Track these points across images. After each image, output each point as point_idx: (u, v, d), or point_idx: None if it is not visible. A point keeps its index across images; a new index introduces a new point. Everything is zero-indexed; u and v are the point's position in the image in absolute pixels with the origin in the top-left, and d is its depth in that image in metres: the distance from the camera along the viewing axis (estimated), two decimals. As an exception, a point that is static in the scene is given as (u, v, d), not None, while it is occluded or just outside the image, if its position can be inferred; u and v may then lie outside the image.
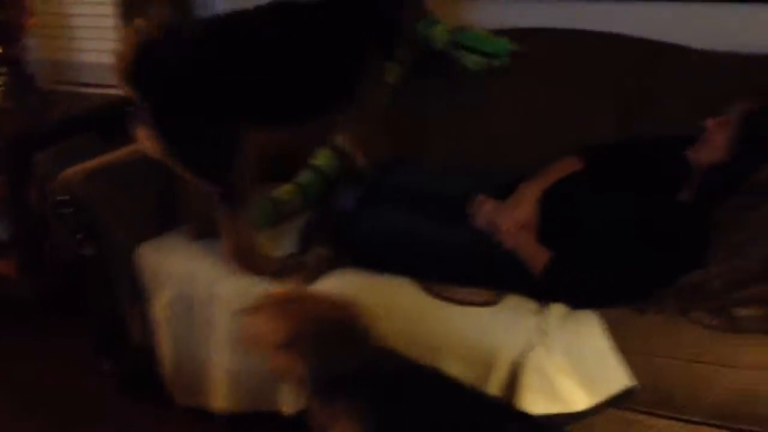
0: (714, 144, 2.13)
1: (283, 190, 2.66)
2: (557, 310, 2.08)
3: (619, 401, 1.99)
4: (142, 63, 2.20)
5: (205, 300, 2.40)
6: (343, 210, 2.50)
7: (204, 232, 2.51)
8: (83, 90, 3.59)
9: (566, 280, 2.10)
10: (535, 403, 1.94)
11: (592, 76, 2.63)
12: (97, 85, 3.59)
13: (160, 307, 2.49)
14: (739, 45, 2.51)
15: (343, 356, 1.73)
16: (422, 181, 2.51)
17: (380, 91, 2.61)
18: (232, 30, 2.34)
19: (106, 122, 3.31)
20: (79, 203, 2.49)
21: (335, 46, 2.39)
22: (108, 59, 3.42)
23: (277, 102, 2.35)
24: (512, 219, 2.19)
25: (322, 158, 2.73)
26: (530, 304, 2.13)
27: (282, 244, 2.50)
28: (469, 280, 2.19)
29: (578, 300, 2.08)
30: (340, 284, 2.23)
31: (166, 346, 2.51)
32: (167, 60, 2.23)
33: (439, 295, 2.14)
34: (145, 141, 2.28)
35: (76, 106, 3.37)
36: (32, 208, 3.10)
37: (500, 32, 2.74)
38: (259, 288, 2.27)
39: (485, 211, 2.24)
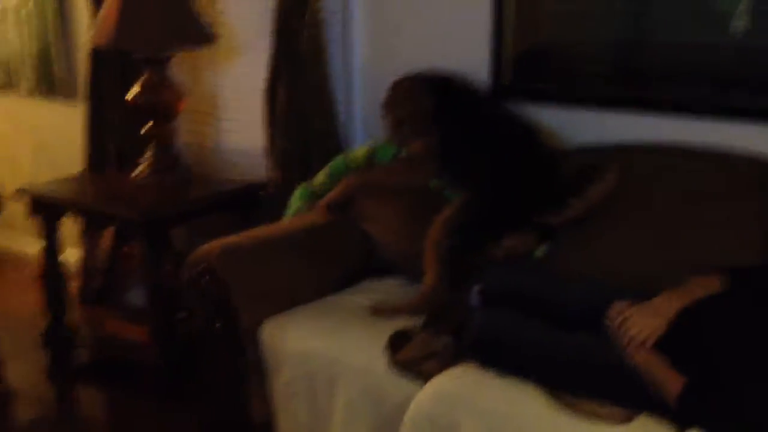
0: None
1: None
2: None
3: None
4: None
5: (325, 381, 2.41)
6: (468, 306, 2.49)
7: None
8: (222, 173, 3.74)
9: (704, 409, 1.97)
10: None
11: (735, 195, 2.52)
12: (236, 170, 3.73)
13: (280, 386, 2.51)
14: None
15: None
16: (545, 285, 2.48)
17: None
18: None
19: (241, 204, 3.47)
20: (214, 276, 2.57)
21: None
22: (248, 146, 3.62)
23: None
24: (647, 327, 2.12)
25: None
26: (665, 430, 2.00)
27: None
28: (595, 393, 2.10)
29: (721, 428, 1.96)
30: (465, 381, 2.19)
31: (285, 426, 2.52)
32: None
33: (567, 404, 2.08)
34: None
35: (215, 187, 3.51)
36: (167, 280, 3.23)
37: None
38: (381, 368, 2.28)
39: (621, 313, 2.17)
